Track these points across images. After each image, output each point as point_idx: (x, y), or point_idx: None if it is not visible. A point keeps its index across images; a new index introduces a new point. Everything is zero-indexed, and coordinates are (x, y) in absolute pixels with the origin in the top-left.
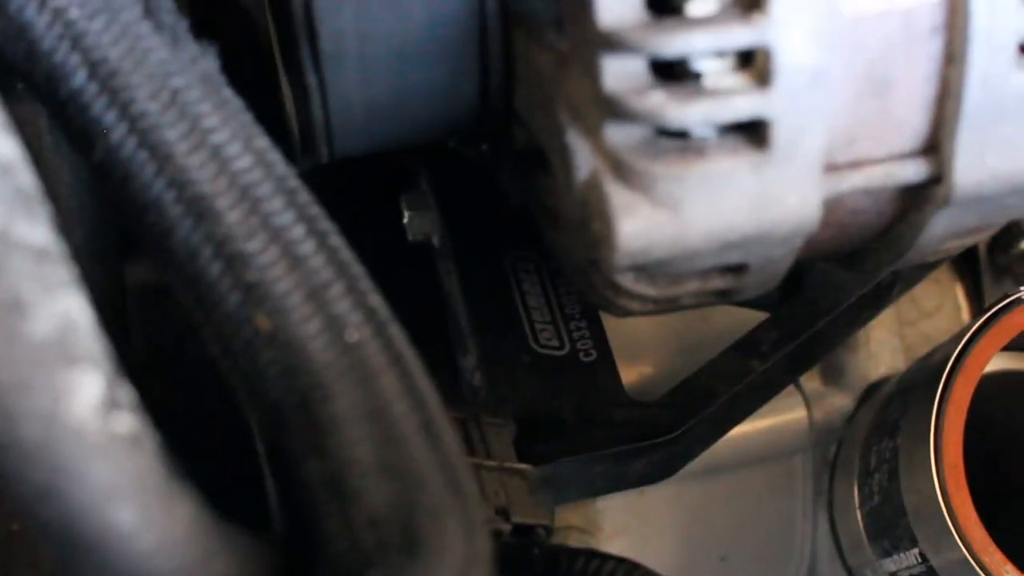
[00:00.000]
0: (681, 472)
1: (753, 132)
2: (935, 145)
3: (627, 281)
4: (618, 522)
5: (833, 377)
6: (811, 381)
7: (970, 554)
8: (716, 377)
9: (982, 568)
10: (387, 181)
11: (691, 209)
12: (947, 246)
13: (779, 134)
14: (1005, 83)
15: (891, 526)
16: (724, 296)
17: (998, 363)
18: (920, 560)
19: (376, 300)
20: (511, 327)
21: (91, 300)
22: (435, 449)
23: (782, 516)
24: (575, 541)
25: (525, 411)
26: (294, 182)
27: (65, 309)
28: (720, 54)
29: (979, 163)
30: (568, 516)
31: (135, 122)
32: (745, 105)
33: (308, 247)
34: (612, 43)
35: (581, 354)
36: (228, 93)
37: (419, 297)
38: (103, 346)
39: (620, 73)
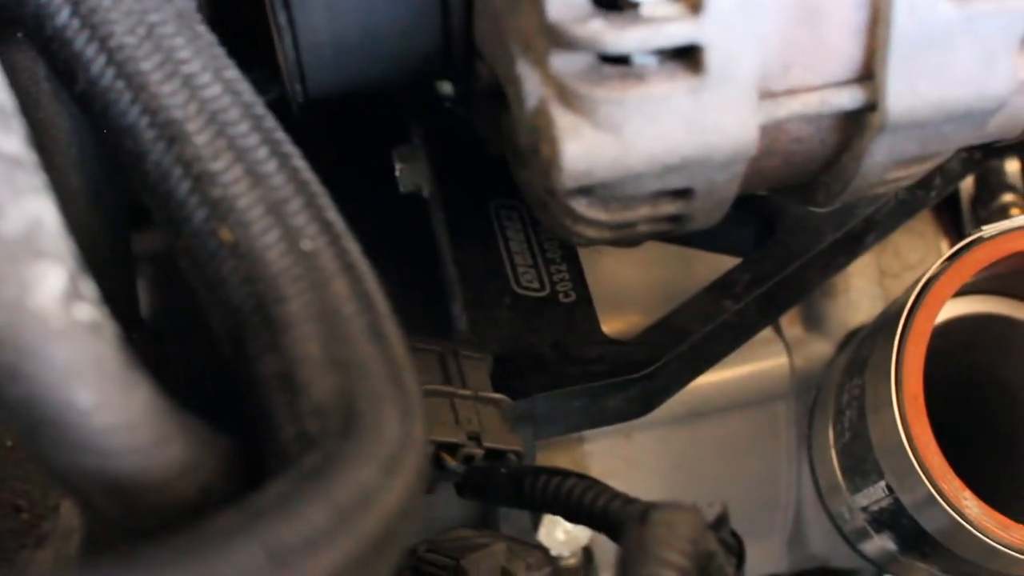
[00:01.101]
0: (666, 417)
1: (690, 58)
2: (869, 72)
3: (581, 206)
4: (606, 465)
5: (814, 324)
6: (792, 328)
7: (929, 482)
8: (690, 317)
9: (941, 495)
10: (386, 136)
11: (632, 131)
12: (892, 175)
13: (713, 59)
14: (932, 11)
15: (861, 461)
16: (677, 223)
17: (982, 306)
18: (887, 492)
19: (333, 215)
20: (494, 271)
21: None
22: (379, 346)
23: (767, 462)
24: None
25: (505, 348)
26: (260, 109)
27: (34, 211)
28: None
29: (911, 89)
30: (557, 459)
31: (113, 54)
32: (678, 31)
33: (270, 166)
34: None
35: (561, 295)
36: (201, 28)
37: (417, 246)
38: (68, 245)
39: (562, 3)
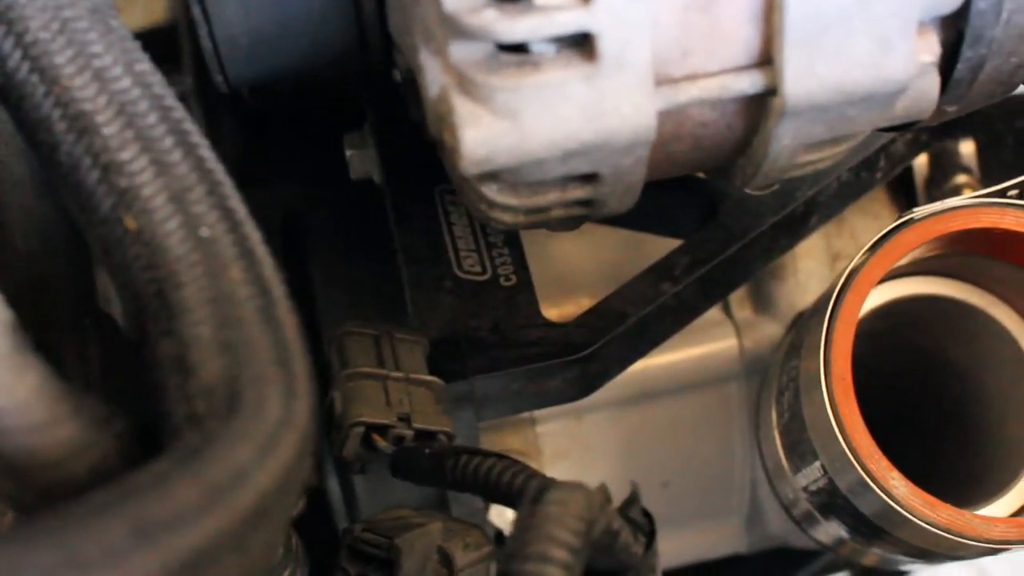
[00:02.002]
0: (617, 399)
1: (584, 46)
2: (768, 57)
3: (491, 192)
4: (558, 446)
5: (763, 306)
6: (742, 310)
7: (857, 462)
8: (628, 299)
9: (868, 475)
10: (341, 124)
11: (529, 118)
12: (806, 158)
13: (606, 46)
14: None
15: (798, 441)
16: (590, 207)
17: (930, 288)
18: (822, 472)
19: (235, 203)
20: (437, 255)
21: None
22: (270, 330)
23: (721, 444)
24: None
25: (445, 331)
26: (170, 101)
27: None
28: None
29: (809, 73)
30: (509, 440)
31: (28, 50)
32: (569, 19)
33: (175, 156)
34: None
35: (502, 279)
36: (116, 23)
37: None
38: None
39: None
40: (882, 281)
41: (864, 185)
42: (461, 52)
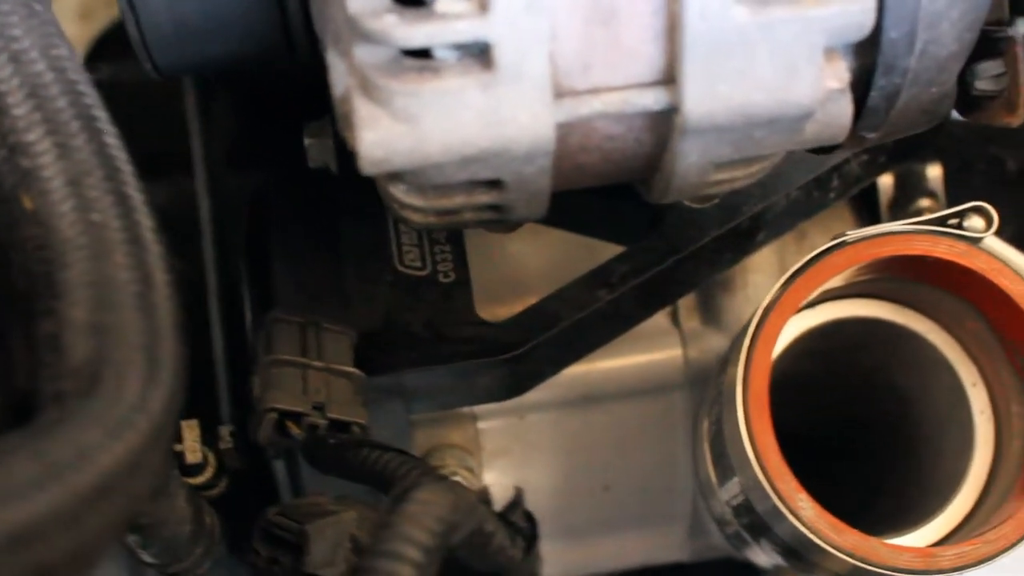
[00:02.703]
0: (559, 400)
1: (484, 55)
2: (671, 75)
3: (399, 192)
4: (499, 443)
5: (711, 317)
6: (690, 320)
7: (766, 479)
8: (563, 303)
9: (776, 493)
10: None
11: (427, 123)
12: (719, 176)
13: (502, 56)
14: (725, 16)
15: (721, 455)
16: (499, 211)
17: (870, 311)
18: (740, 488)
19: (132, 189)
20: (379, 248)
21: None
22: (144, 317)
23: (664, 452)
24: (455, 459)
25: (380, 324)
26: (83, 87)
27: None
28: None
29: (711, 93)
30: (450, 434)
31: None
32: (466, 28)
33: (79, 141)
34: None
35: (440, 275)
36: (39, 7)
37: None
38: None
39: None
40: (823, 301)
41: (816, 204)
42: (365, 54)
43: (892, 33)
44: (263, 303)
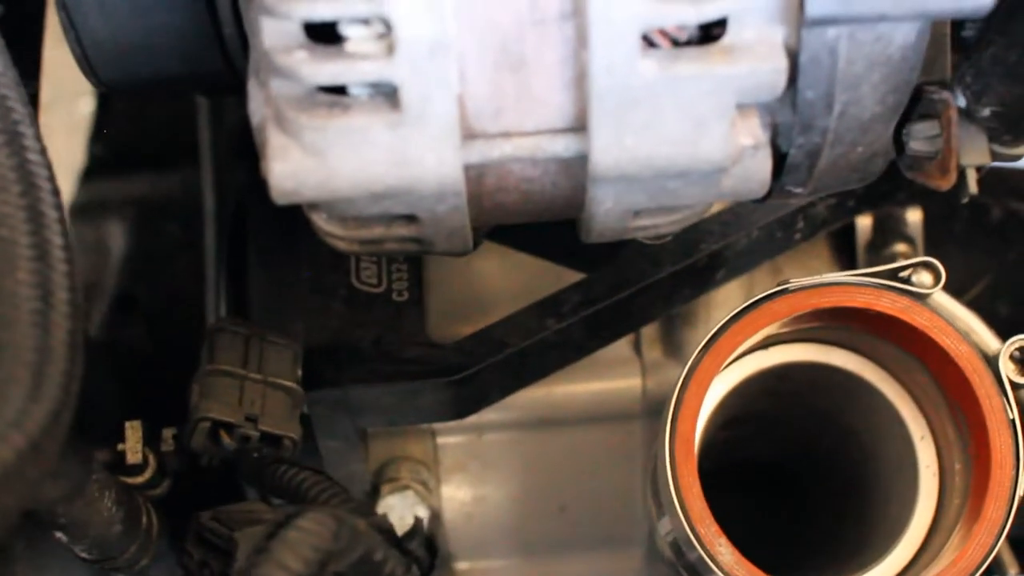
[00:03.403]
0: (517, 420)
1: (393, 95)
2: (582, 124)
3: (320, 220)
4: (457, 459)
5: (672, 350)
6: (652, 351)
7: (687, 522)
8: (511, 329)
9: (696, 537)
10: None
11: (336, 158)
12: (641, 223)
13: (408, 97)
14: (631, 70)
15: (656, 491)
16: (420, 244)
17: (821, 356)
18: (671, 526)
19: (48, 207)
20: (338, 263)
21: None
22: (39, 334)
23: (621, 478)
24: (411, 472)
25: (331, 338)
26: (13, 103)
27: None
28: (366, 22)
29: (618, 144)
30: (409, 447)
31: None
32: (371, 69)
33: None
34: (267, 7)
35: (394, 294)
36: None
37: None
38: None
39: (276, 32)
40: (777, 344)
41: (781, 244)
42: (279, 87)
43: (808, 93)
44: (237, 305)
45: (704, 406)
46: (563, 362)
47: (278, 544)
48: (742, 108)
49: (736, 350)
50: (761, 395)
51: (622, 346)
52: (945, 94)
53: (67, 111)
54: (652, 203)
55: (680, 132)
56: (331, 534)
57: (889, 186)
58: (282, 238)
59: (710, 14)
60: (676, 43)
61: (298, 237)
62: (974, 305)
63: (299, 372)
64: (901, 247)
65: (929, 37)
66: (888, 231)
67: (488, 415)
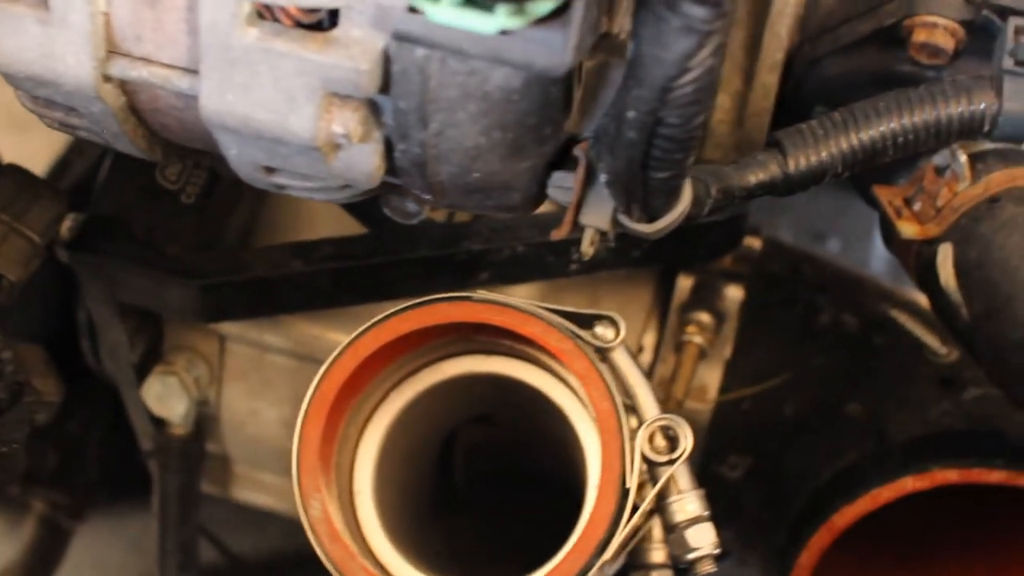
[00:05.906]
0: (293, 351)
1: None
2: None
3: (23, 97)
4: (240, 368)
5: None
6: None
7: (296, 467)
8: (260, 258)
9: (299, 485)
10: None
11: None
12: (276, 180)
13: (54, 3)
14: (231, 33)
15: None
16: (102, 138)
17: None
18: None
19: None
20: None
21: None
22: None
23: None
24: (187, 363)
25: (111, 213)
26: None
27: None
28: None
29: (220, 97)
30: (197, 342)
31: None
32: None
33: None
34: None
35: (184, 196)
36: None
37: None
38: None
39: None
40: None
41: (555, 269)
42: None
43: (401, 103)
44: None
45: (399, 398)
46: (310, 304)
47: None
48: (342, 98)
49: (357, 361)
50: (493, 401)
51: None
52: (579, 151)
53: None
54: (271, 162)
55: (273, 101)
56: None
57: (675, 248)
58: None
59: (307, 2)
60: (301, 25)
61: None
62: (763, 397)
63: (55, 232)
64: (704, 317)
65: (562, 92)
66: (701, 299)
67: (272, 339)
